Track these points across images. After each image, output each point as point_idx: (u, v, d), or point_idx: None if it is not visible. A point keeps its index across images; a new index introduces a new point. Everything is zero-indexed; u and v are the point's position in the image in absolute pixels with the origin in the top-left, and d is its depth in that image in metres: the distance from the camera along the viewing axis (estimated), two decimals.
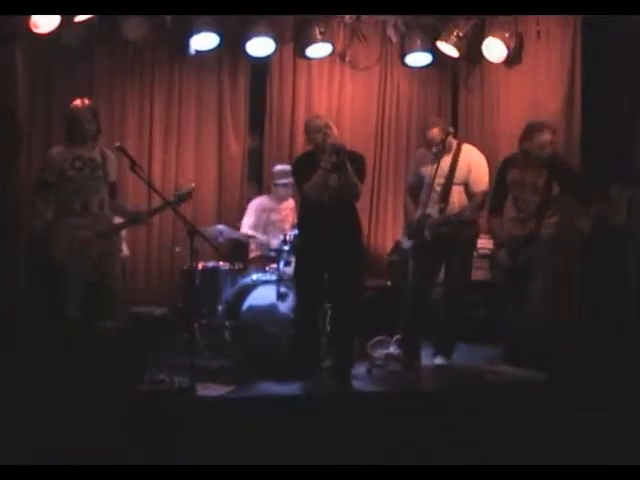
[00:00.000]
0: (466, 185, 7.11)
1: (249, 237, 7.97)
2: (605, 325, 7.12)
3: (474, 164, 7.14)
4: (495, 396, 6.28)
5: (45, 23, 7.10)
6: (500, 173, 7.19)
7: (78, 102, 6.57)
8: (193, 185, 6.76)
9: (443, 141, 7.01)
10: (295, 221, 7.75)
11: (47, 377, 5.58)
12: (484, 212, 7.28)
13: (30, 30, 6.99)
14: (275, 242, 7.59)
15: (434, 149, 7.07)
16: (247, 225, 8.09)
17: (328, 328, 6.88)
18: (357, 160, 6.56)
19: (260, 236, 7.95)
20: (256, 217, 8.10)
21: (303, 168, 6.60)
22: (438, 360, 7.19)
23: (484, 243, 7.77)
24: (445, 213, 7.02)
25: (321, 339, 6.78)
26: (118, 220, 6.80)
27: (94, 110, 6.64)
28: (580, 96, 7.79)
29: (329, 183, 6.40)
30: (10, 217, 6.99)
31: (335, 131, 6.56)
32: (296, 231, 7.03)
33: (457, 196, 7.09)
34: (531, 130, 6.94)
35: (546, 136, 6.88)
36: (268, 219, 8.10)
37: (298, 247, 6.83)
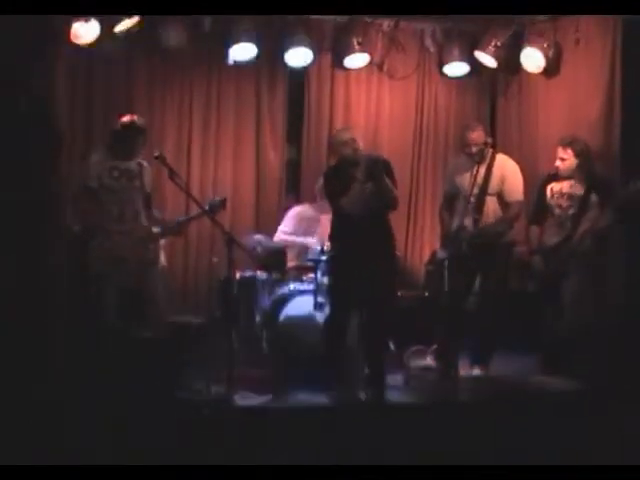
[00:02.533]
0: (500, 196, 7.10)
1: (286, 245, 7.97)
2: None
3: (508, 174, 7.14)
4: (533, 406, 6.23)
5: (85, 33, 7.17)
6: (541, 185, 7.28)
7: (127, 120, 6.63)
8: (225, 196, 6.90)
9: (484, 146, 6.98)
10: None
11: (81, 383, 5.61)
12: (520, 222, 7.27)
13: (71, 39, 7.05)
14: (312, 242, 7.62)
15: (474, 149, 7.03)
16: (283, 232, 8.07)
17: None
18: (387, 166, 6.56)
19: (296, 238, 7.94)
20: (294, 225, 8.07)
21: (335, 181, 6.60)
22: (475, 370, 7.16)
23: (521, 252, 7.70)
24: (480, 224, 7.01)
25: (354, 349, 6.75)
26: (155, 230, 6.85)
27: (142, 129, 6.71)
28: (620, 104, 7.71)
29: (365, 194, 6.39)
30: (50, 219, 7.05)
31: (360, 144, 6.57)
32: None
33: (491, 207, 7.08)
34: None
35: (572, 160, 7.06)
36: (308, 228, 8.06)
37: (332, 257, 6.80)
